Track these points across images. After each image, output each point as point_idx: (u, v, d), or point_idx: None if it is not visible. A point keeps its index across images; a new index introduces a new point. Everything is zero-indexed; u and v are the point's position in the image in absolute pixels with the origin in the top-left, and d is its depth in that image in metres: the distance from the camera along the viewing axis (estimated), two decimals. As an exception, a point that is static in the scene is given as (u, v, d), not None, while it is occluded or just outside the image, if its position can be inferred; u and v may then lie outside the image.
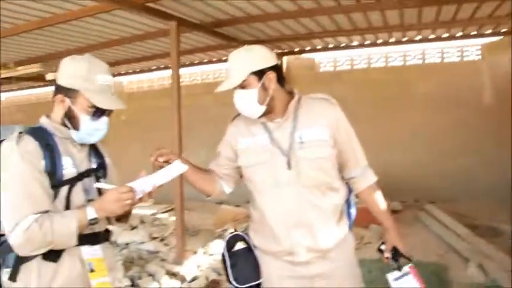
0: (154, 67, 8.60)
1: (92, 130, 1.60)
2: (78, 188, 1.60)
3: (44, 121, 1.63)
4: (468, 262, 4.20)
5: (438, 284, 3.95)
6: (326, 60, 7.84)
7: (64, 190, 1.55)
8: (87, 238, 1.58)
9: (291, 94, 1.85)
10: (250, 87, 1.74)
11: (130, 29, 5.54)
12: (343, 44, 7.23)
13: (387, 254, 1.93)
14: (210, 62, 8.15)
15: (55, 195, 1.53)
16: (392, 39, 6.95)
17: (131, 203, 1.53)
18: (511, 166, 6.28)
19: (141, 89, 9.47)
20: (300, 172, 1.75)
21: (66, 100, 1.57)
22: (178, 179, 4.75)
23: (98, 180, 1.68)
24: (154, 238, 5.32)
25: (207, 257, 4.90)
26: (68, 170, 1.57)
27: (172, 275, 4.38)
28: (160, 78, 9.12)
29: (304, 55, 7.83)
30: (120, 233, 5.35)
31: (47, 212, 1.47)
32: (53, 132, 1.59)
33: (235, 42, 6.24)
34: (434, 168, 7.02)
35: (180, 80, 8.69)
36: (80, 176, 1.61)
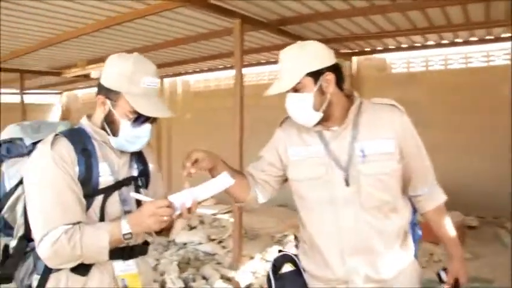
0: (220, 66, 8.60)
1: (132, 137, 1.46)
2: (115, 197, 1.47)
3: (84, 122, 1.52)
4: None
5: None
6: (399, 61, 7.35)
7: (99, 200, 1.43)
8: (121, 252, 1.45)
9: (350, 98, 1.61)
10: (305, 90, 1.53)
11: (195, 28, 5.51)
12: (417, 44, 6.74)
13: (447, 287, 1.69)
14: (277, 61, 7.96)
15: (89, 205, 1.42)
16: (473, 38, 6.37)
17: (169, 219, 1.38)
18: None
19: (207, 88, 9.52)
20: (360, 190, 1.52)
21: (107, 102, 1.44)
22: None
23: (137, 190, 1.55)
24: (213, 240, 5.24)
25: (263, 264, 4.74)
26: (105, 177, 1.45)
27: (227, 279, 4.27)
28: (227, 77, 9.09)
29: (375, 55, 7.42)
30: (178, 233, 5.34)
31: (78, 223, 1.35)
32: (92, 135, 1.48)
33: (302, 41, 6.01)
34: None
35: (245, 80, 8.72)
36: (118, 185, 1.48)
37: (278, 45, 6.64)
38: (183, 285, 3.99)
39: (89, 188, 1.41)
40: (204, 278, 4.27)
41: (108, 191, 1.46)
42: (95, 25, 4.93)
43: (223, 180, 1.50)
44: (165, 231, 1.57)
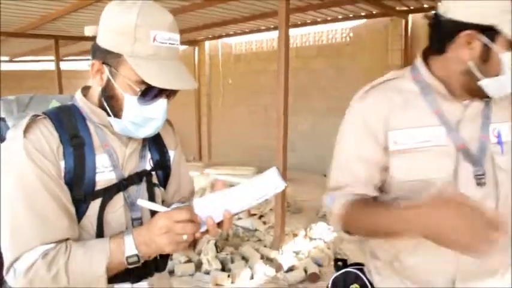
0: (263, 27, 8.06)
1: (141, 119, 1.05)
2: (118, 201, 1.09)
3: (78, 98, 1.12)
4: None
5: None
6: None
7: (96, 205, 1.05)
8: (127, 273, 1.06)
9: None
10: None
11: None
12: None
13: None
14: (325, 21, 7.36)
15: (82, 214, 1.05)
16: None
17: (190, 238, 0.98)
18: None
19: (249, 50, 9.02)
20: (499, 192, 1.08)
21: (105, 70, 1.04)
22: (280, 139, 4.21)
23: (151, 190, 1.16)
24: (253, 215, 4.91)
25: (307, 243, 4.38)
26: (104, 174, 1.07)
27: (268, 260, 3.95)
28: (270, 39, 8.55)
29: (433, 12, 6.63)
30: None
31: (65, 240, 0.99)
32: (87, 116, 1.09)
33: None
34: None
35: (290, 42, 8.19)
36: (122, 184, 1.09)
37: (326, 3, 6.03)
38: (220, 267, 3.71)
39: (81, 189, 1.03)
40: (243, 258, 3.96)
41: (109, 192, 1.07)
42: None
43: (274, 179, 1.03)
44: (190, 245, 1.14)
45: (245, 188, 1.03)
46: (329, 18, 7.21)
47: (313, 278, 3.66)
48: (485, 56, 1.01)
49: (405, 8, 6.49)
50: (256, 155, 8.35)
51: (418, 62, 1.16)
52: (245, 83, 8.91)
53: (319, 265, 3.88)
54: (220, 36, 9.10)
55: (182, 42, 9.32)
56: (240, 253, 4.03)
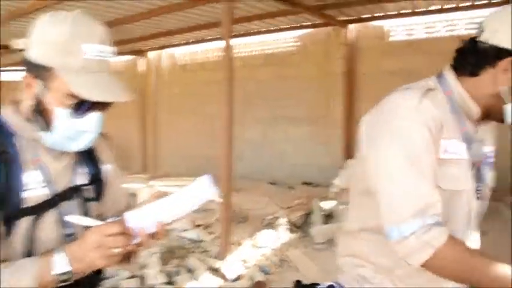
0: (209, 37, 8.06)
1: (74, 132, 1.03)
2: (50, 218, 1.05)
3: (5, 113, 1.07)
4: None
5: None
6: (399, 28, 6.85)
7: (26, 223, 1.02)
8: None
9: None
10: None
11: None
12: (419, 9, 6.24)
13: None
14: (270, 31, 7.50)
15: (9, 232, 1.00)
16: (479, 2, 5.90)
17: (122, 251, 0.97)
18: None
19: (194, 60, 8.99)
20: (485, 204, 1.27)
21: (36, 83, 1.01)
22: (225, 148, 4.20)
23: (84, 204, 1.13)
24: (199, 225, 4.87)
25: (254, 251, 4.40)
26: (35, 191, 1.03)
27: (214, 270, 3.93)
28: (216, 49, 8.57)
29: (372, 22, 6.92)
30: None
31: None
32: (16, 130, 1.05)
33: (298, 7, 5.55)
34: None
35: (236, 51, 8.22)
36: (54, 200, 1.06)
37: (270, 13, 6.15)
38: (165, 280, 3.64)
39: (7, 208, 0.99)
40: (189, 270, 3.91)
41: (39, 209, 1.04)
42: None
43: (205, 188, 1.03)
44: (125, 259, 1.11)
45: (177, 197, 1.03)
46: (274, 28, 7.36)
47: (260, 286, 3.68)
48: None
49: (345, 18, 6.74)
50: (203, 165, 8.29)
51: (450, 77, 1.20)
52: (191, 93, 8.85)
53: (266, 273, 3.91)
54: (165, 46, 9.02)
55: (126, 53, 9.17)
56: (186, 265, 3.98)
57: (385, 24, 6.88)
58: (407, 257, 1.04)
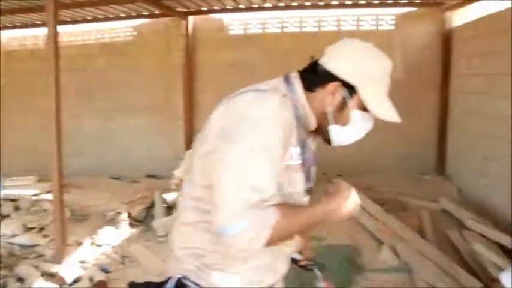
0: (39, 22, 7.33)
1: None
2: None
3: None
4: (382, 245, 4.00)
5: (351, 270, 3.68)
6: (236, 22, 7.15)
7: None
8: None
9: None
10: None
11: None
12: (255, 5, 6.60)
13: None
14: (106, 19, 7.13)
15: None
16: (308, 3, 6.47)
17: None
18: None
19: (23, 46, 8.09)
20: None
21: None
22: (54, 143, 3.86)
23: None
24: (31, 228, 4.45)
25: (94, 249, 4.20)
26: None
27: (50, 276, 3.65)
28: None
29: (212, 15, 7.08)
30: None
31: None
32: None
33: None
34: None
35: (71, 39, 7.65)
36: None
37: (94, 2, 5.87)
38: (-11, 294, 3.26)
39: None
40: (19, 279, 3.56)
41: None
42: None
43: None
44: None
45: None
46: (112, 16, 7.02)
47: (100, 285, 3.54)
48: (341, 107, 1.28)
49: (185, 10, 6.76)
50: (44, 162, 7.56)
51: (298, 86, 1.31)
52: (20, 84, 7.92)
53: (106, 271, 3.77)
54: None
55: None
56: (15, 274, 3.62)
57: (225, 17, 7.11)
58: (248, 247, 1.11)
